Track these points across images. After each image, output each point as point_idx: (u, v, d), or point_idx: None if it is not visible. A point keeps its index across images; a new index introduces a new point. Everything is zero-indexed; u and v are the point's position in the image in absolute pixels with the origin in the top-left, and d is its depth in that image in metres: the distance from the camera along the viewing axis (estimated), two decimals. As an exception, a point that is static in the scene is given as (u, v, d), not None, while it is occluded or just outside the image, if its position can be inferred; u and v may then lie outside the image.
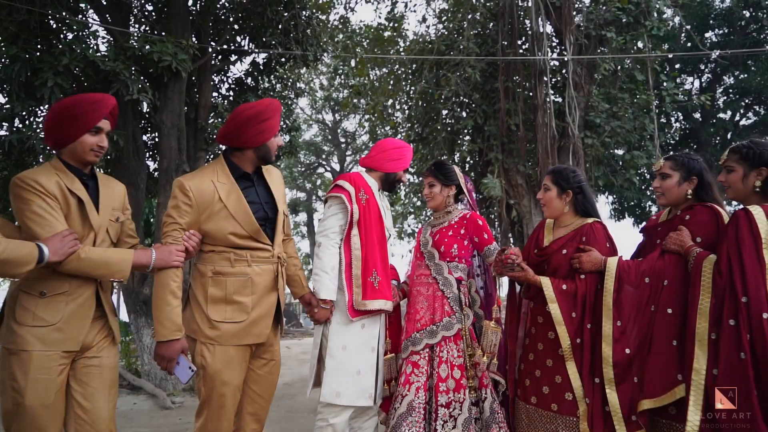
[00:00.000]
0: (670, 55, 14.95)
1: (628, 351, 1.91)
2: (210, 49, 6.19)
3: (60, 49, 4.71)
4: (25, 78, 4.74)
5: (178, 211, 1.90)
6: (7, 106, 5.06)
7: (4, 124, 5.22)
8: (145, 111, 6.63)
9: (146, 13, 6.13)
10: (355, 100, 15.57)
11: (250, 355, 2.00)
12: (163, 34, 5.67)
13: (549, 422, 2.03)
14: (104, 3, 5.72)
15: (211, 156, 6.99)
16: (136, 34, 5.22)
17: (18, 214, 1.73)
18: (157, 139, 7.23)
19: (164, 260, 1.83)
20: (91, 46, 4.85)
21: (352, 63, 14.65)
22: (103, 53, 4.91)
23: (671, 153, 2.11)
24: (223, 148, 2.15)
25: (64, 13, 5.46)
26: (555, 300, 2.05)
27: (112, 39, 5.44)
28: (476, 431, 2.17)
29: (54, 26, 5.39)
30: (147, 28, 6.38)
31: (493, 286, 2.51)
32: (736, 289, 1.70)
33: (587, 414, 1.96)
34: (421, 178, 14.40)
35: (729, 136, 15.33)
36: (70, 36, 5.20)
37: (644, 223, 2.37)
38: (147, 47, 4.99)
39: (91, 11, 6.07)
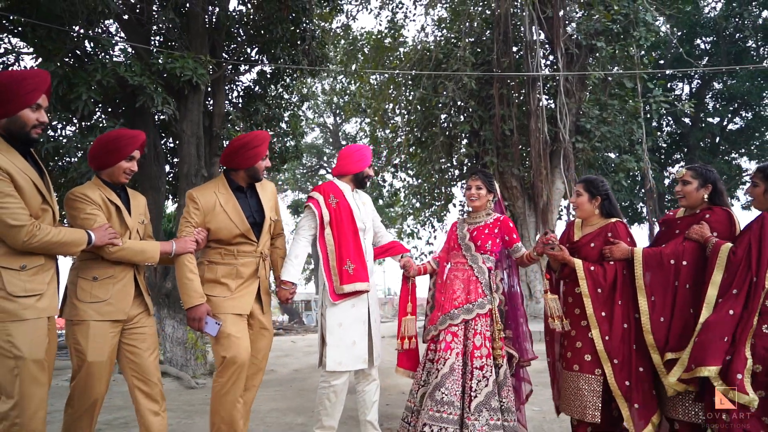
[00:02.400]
0: (660, 62, 15.45)
1: (662, 320, 2.36)
2: (224, 63, 6.68)
3: (93, 66, 5.20)
4: (61, 92, 5.24)
5: (189, 215, 2.47)
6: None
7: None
8: (160, 118, 7.11)
9: (167, 28, 6.60)
10: (356, 105, 16.07)
11: (247, 324, 2.53)
12: (182, 48, 6.16)
13: (573, 380, 2.50)
14: (125, 18, 6.21)
15: (219, 161, 7.47)
16: (160, 51, 5.72)
17: (72, 219, 2.25)
18: (172, 145, 7.73)
19: (182, 247, 2.38)
20: (123, 62, 5.34)
21: (353, 68, 15.12)
22: (130, 68, 5.39)
23: (692, 164, 2.57)
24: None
25: (92, 31, 5.97)
26: (584, 278, 2.52)
27: (135, 55, 5.93)
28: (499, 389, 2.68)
29: (84, 44, 5.90)
30: (162, 39, 6.89)
31: (516, 275, 3.00)
32: (751, 269, 2.15)
33: (616, 373, 2.42)
34: (420, 181, 14.88)
35: (717, 140, 15.85)
36: (100, 53, 5.70)
37: (662, 218, 2.82)
38: (170, 63, 5.49)
39: (112, 26, 6.58)
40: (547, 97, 11.80)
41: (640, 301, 2.42)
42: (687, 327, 2.30)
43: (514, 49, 12.19)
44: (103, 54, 5.73)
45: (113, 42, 5.81)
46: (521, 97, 11.90)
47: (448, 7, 13.74)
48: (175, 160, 7.61)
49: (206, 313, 2.35)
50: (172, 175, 7.67)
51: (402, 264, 3.02)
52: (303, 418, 3.55)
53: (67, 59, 5.80)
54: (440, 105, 12.45)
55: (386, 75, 13.99)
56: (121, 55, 5.59)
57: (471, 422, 2.51)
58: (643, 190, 15.84)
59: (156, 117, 6.55)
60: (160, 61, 5.55)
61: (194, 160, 6.02)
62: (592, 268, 2.54)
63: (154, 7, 6.20)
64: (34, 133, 2.00)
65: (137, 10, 6.01)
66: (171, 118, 5.76)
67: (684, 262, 2.35)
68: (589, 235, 2.66)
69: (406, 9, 13.80)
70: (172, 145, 7.74)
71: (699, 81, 15.51)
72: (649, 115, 11.51)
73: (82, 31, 5.80)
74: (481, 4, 12.32)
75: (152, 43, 6.29)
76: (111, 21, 6.20)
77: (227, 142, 7.24)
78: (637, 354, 2.44)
